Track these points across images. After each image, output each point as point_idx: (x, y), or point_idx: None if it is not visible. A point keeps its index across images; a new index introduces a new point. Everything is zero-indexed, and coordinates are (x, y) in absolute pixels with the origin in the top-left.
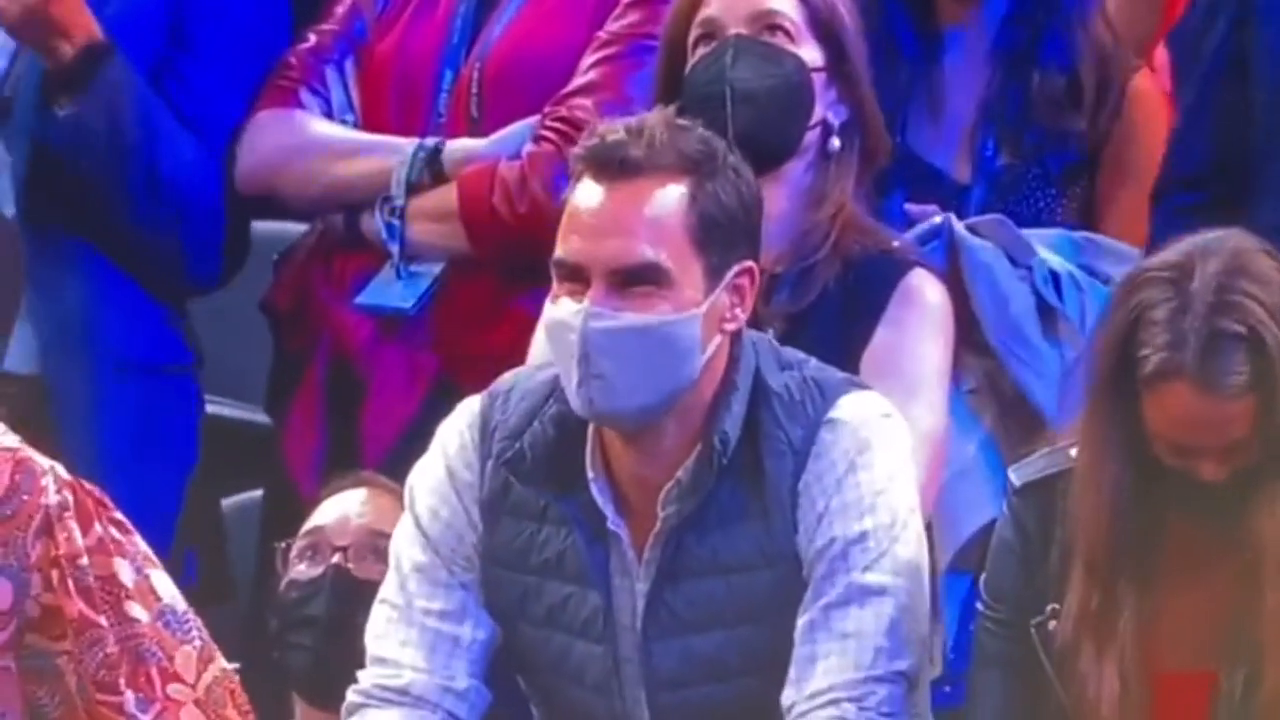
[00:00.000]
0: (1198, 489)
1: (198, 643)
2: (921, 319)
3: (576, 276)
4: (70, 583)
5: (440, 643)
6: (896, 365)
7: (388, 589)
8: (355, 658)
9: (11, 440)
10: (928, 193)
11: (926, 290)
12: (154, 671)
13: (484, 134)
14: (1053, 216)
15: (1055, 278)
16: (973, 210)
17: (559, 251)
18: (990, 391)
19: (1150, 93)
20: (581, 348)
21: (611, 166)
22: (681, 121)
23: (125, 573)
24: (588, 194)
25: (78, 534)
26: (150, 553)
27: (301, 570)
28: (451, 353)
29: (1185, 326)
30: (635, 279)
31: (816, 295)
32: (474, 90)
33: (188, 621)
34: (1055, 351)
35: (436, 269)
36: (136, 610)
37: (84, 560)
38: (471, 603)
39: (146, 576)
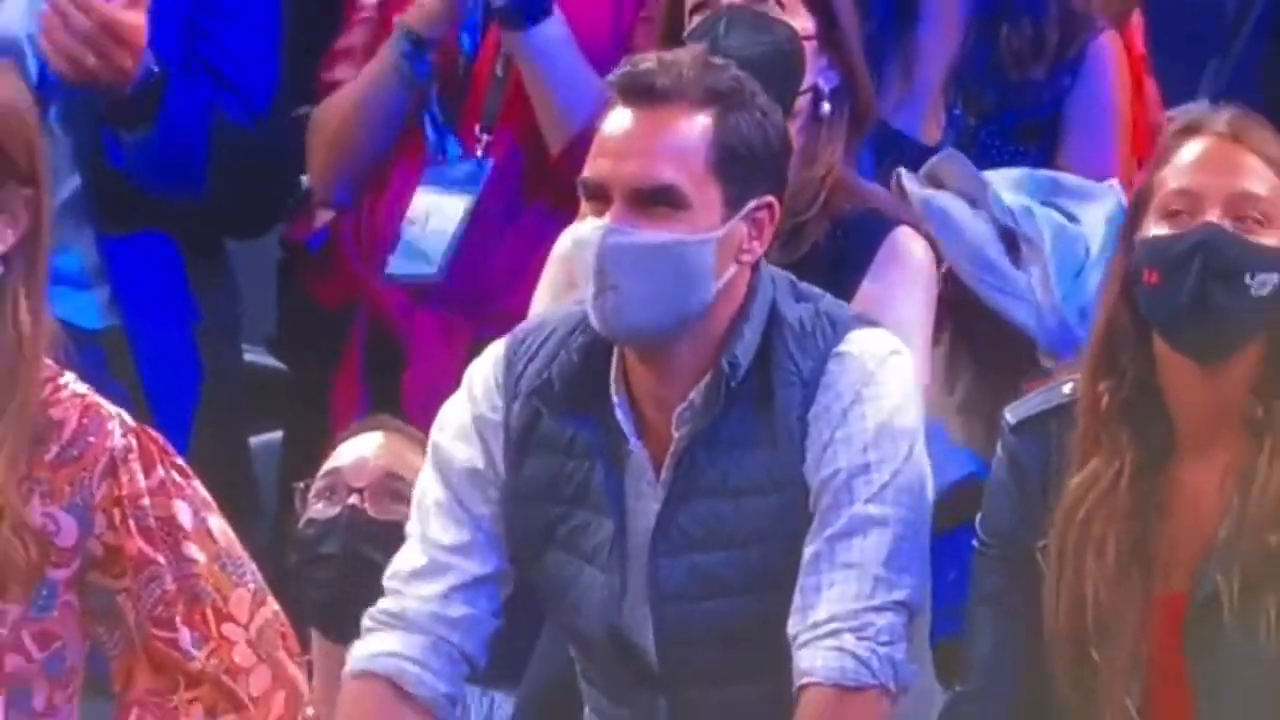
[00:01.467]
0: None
1: (251, 586)
2: (905, 273)
3: (600, 195)
4: (132, 522)
5: (446, 574)
6: (881, 316)
7: (410, 523)
8: (370, 594)
9: (81, 388)
10: (893, 154)
11: (911, 246)
12: (209, 611)
13: (506, 92)
14: None
15: (1011, 212)
16: None
17: (586, 171)
18: (965, 347)
19: (1114, 51)
20: (599, 262)
21: (640, 93)
22: (714, 59)
23: (184, 515)
24: (617, 118)
25: (140, 476)
26: (209, 499)
27: (319, 509)
28: (484, 312)
29: (1211, 112)
30: (654, 199)
31: (806, 250)
32: (503, 49)
33: (242, 565)
34: (1023, 273)
35: (456, 229)
36: (194, 551)
37: (145, 501)
38: (483, 539)
39: (204, 520)
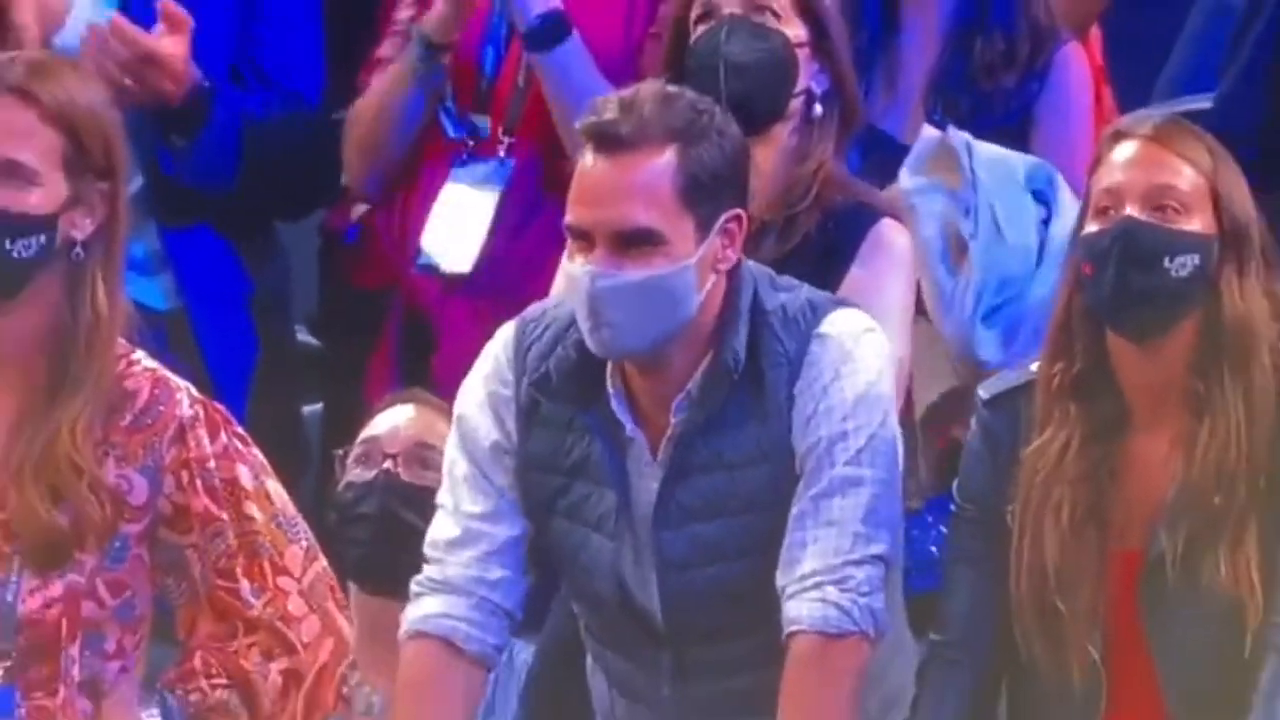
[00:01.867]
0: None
1: (304, 543)
2: (889, 261)
3: (584, 238)
4: (199, 482)
5: (479, 541)
6: (866, 301)
7: (441, 494)
8: (402, 551)
9: (151, 363)
10: (879, 154)
11: (894, 237)
12: (266, 564)
13: (526, 100)
14: None
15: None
16: None
17: (568, 216)
18: None
19: (1078, 60)
20: (590, 303)
21: (607, 141)
22: (671, 90)
23: (245, 478)
24: (591, 166)
25: (206, 441)
26: (266, 464)
27: (356, 474)
28: (510, 299)
29: (1140, 118)
30: (633, 241)
31: (799, 241)
32: (525, 61)
33: (296, 525)
34: (953, 281)
35: (484, 226)
36: (254, 510)
37: (211, 464)
38: (506, 505)
39: (263, 483)
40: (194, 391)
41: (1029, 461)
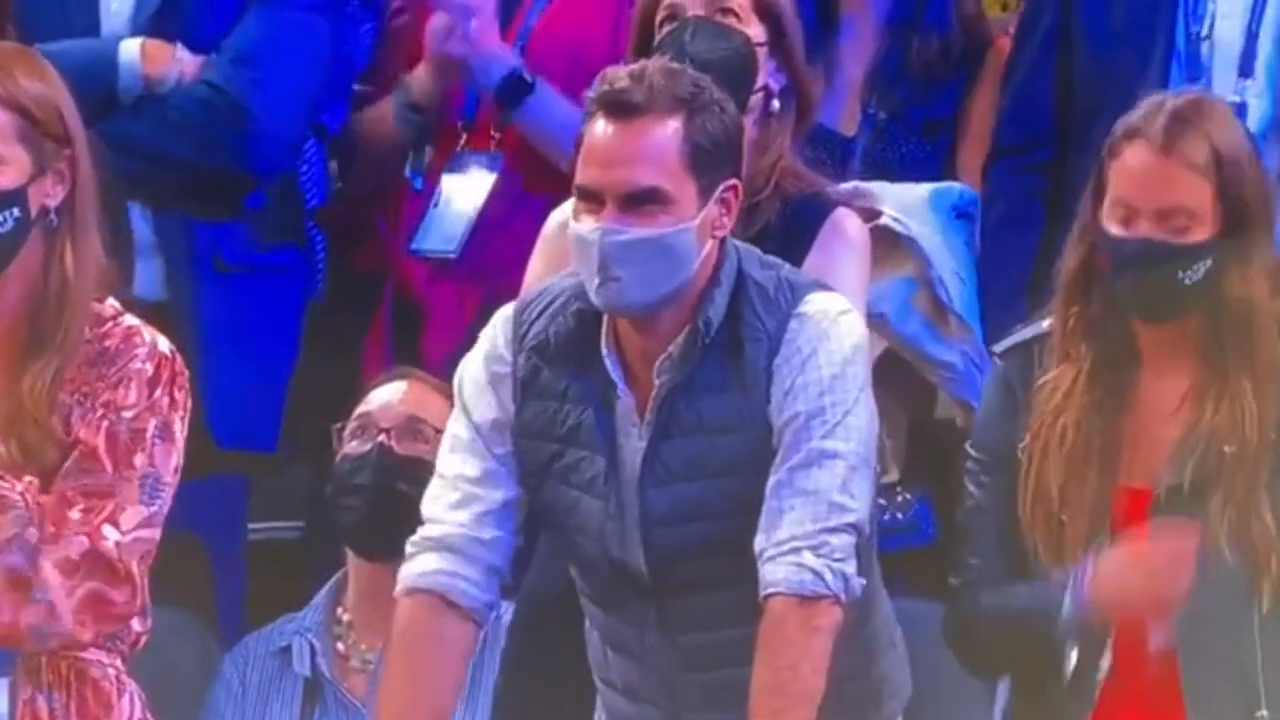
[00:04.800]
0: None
1: (152, 509)
2: (844, 248)
3: (594, 199)
4: (105, 424)
5: (474, 503)
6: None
7: (440, 461)
8: (396, 519)
9: (134, 320)
10: (818, 145)
11: (848, 225)
12: (110, 506)
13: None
14: (914, 162)
15: None
16: (857, 157)
17: (579, 179)
18: None
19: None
20: (601, 258)
21: (619, 107)
22: (675, 65)
23: (150, 432)
24: (601, 130)
25: (142, 393)
26: (176, 433)
27: (353, 447)
28: (494, 284)
29: (1153, 112)
30: (641, 200)
31: (760, 227)
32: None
33: (158, 493)
34: (950, 348)
35: (472, 213)
36: (138, 460)
37: (128, 413)
38: (502, 471)
39: (156, 445)
40: (160, 345)
41: (1040, 395)
